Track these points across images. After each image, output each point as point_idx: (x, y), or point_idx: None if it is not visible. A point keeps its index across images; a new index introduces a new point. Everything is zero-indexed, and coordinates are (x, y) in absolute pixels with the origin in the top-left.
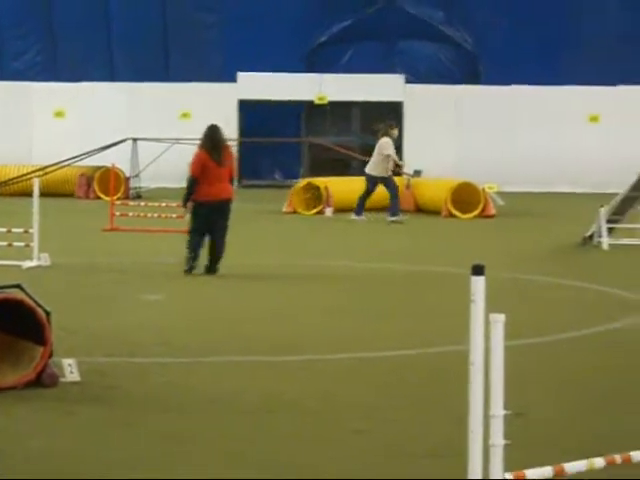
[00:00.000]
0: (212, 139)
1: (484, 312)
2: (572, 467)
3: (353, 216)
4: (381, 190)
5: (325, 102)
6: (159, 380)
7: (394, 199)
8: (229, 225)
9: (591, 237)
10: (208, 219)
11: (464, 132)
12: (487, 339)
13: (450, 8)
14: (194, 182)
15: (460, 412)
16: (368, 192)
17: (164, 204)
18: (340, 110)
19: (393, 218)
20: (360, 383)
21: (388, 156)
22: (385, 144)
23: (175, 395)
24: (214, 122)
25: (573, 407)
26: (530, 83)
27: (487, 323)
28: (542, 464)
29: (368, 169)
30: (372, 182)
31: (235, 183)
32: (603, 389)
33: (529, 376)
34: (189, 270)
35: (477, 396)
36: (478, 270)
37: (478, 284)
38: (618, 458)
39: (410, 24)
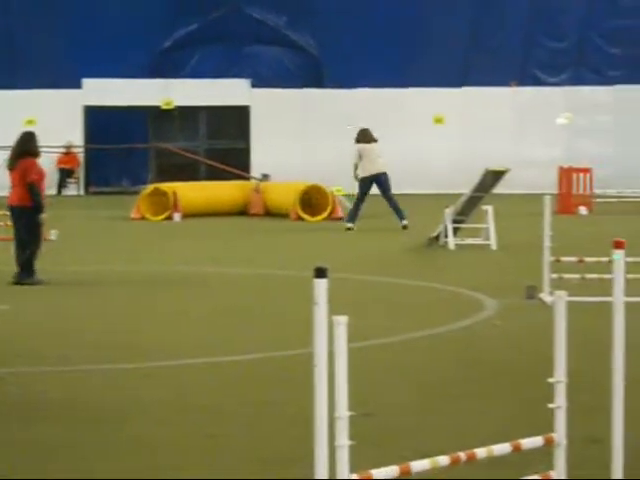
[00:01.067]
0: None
1: (329, 315)
2: (417, 466)
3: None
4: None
5: (172, 107)
6: (11, 390)
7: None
8: (24, 234)
9: (437, 238)
10: (13, 226)
11: (310, 135)
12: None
13: (294, 13)
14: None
15: (309, 414)
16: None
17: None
18: (187, 115)
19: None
20: (212, 387)
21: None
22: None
23: (29, 404)
24: (29, 130)
25: (420, 406)
26: (374, 86)
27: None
28: (389, 464)
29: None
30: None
31: (81, 189)
32: (449, 388)
33: (378, 377)
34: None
35: (322, 398)
36: (320, 273)
37: (321, 287)
38: (463, 456)
39: (255, 29)
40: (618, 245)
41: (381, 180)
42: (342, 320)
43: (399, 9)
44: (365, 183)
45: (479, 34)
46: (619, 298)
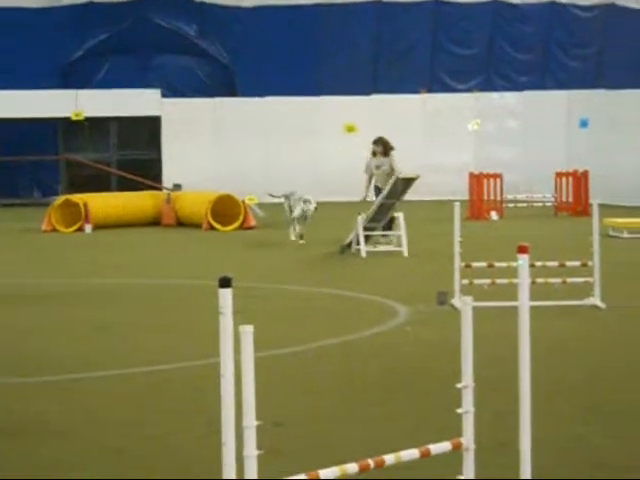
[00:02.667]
0: None
1: (240, 324)
2: (326, 473)
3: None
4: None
5: (82, 118)
6: None
7: None
8: None
9: (349, 245)
10: None
11: (223, 145)
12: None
13: (204, 22)
14: None
15: (219, 425)
16: None
17: None
18: (97, 126)
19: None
20: (117, 400)
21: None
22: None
23: None
24: None
25: (332, 414)
26: (286, 94)
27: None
28: (298, 472)
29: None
30: None
31: None
32: (360, 395)
33: (290, 385)
34: None
35: (229, 408)
36: (225, 282)
37: (226, 296)
38: (371, 463)
39: (165, 38)
40: (522, 250)
41: None
42: (248, 329)
43: (307, 18)
44: None
45: (386, 42)
46: (524, 302)
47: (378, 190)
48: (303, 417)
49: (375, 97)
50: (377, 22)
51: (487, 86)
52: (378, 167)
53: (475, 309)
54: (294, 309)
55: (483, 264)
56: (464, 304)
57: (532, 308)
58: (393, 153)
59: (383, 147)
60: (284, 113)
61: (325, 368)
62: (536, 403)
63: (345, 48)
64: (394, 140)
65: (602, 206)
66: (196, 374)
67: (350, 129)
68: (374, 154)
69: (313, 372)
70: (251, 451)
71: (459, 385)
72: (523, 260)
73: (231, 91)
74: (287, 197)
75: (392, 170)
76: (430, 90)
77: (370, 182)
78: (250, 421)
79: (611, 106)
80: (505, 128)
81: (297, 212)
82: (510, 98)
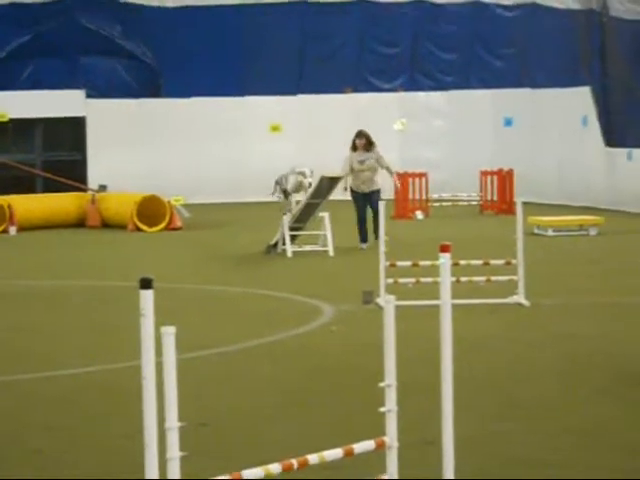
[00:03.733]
0: None
1: (163, 325)
2: (249, 474)
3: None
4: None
5: (6, 120)
6: None
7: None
8: None
9: (275, 245)
10: None
11: (148, 146)
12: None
13: (128, 22)
14: None
15: (140, 427)
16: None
17: None
18: (22, 127)
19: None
20: (40, 403)
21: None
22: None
23: None
24: None
25: (257, 414)
26: (211, 95)
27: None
28: (223, 473)
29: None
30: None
31: None
32: (285, 395)
33: (215, 386)
34: None
35: (150, 410)
36: (146, 284)
37: (147, 298)
38: (295, 463)
39: (89, 39)
40: (444, 249)
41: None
42: (170, 330)
43: (232, 17)
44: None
45: (312, 41)
46: (446, 301)
47: (359, 197)
48: (229, 417)
49: (301, 97)
50: (302, 21)
51: (412, 85)
52: (362, 162)
53: (400, 308)
54: (220, 310)
55: (408, 263)
56: (387, 303)
57: (457, 307)
58: (377, 148)
59: (366, 140)
60: (209, 113)
61: (251, 368)
62: (459, 401)
63: (271, 48)
64: (321, 139)
65: (527, 204)
66: (120, 376)
67: (275, 129)
68: (354, 148)
69: (239, 372)
70: (174, 453)
71: (382, 384)
72: (445, 259)
73: (156, 91)
74: (278, 182)
75: (379, 164)
76: (355, 89)
77: (347, 176)
78: (172, 422)
79: (535, 105)
80: (430, 127)
81: (291, 184)
82: (435, 97)
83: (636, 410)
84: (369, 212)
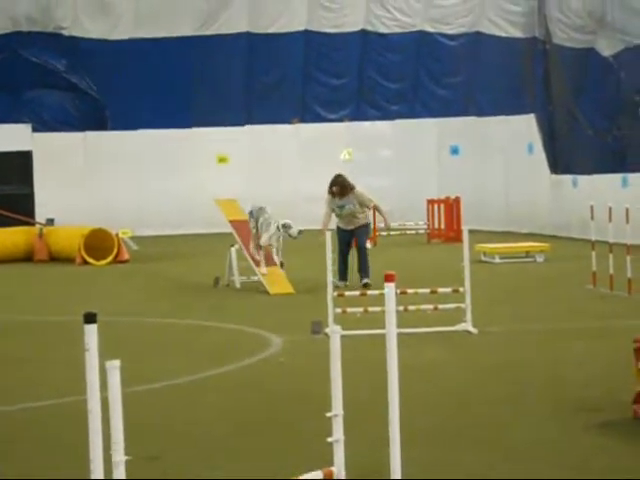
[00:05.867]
0: None
1: (111, 359)
2: None
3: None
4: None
5: None
6: None
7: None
8: None
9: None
10: None
11: (94, 179)
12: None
13: (73, 56)
14: None
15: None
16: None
17: None
18: None
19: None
20: None
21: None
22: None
23: None
24: None
25: (207, 446)
26: (158, 127)
27: (120, 369)
28: None
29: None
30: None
31: None
32: (234, 427)
33: (164, 419)
34: None
35: (96, 443)
36: (90, 318)
37: (91, 332)
38: None
39: (34, 73)
40: (389, 278)
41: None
42: (115, 364)
43: (178, 49)
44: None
45: (258, 72)
46: (392, 330)
47: (343, 234)
48: (179, 450)
49: (248, 127)
50: (249, 53)
51: (358, 115)
52: (341, 207)
53: (349, 337)
54: (169, 342)
55: (356, 293)
56: (333, 333)
57: (405, 335)
58: (357, 190)
59: (340, 189)
60: (156, 145)
61: (201, 400)
62: (408, 429)
63: (217, 79)
64: (269, 170)
65: (474, 232)
66: (68, 410)
67: (222, 160)
68: (333, 195)
69: (189, 405)
70: None
71: (329, 414)
72: (389, 288)
73: (102, 124)
74: (251, 213)
75: (363, 207)
76: (302, 120)
77: (328, 221)
78: (119, 456)
79: (481, 133)
80: (377, 157)
81: (264, 238)
82: (381, 127)
83: (580, 435)
84: (353, 250)
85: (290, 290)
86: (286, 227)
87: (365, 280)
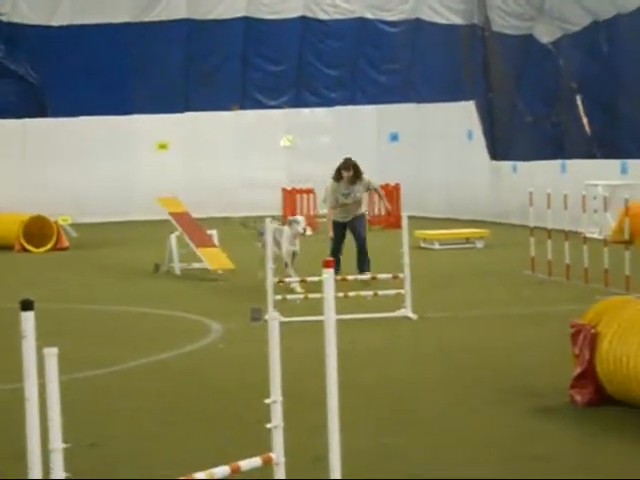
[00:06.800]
0: None
1: (51, 346)
2: None
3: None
4: None
5: None
6: None
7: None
8: None
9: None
10: None
11: (34, 166)
12: (59, 373)
13: (11, 42)
14: None
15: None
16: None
17: None
18: None
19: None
20: None
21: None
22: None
23: None
24: None
25: (146, 433)
26: (98, 114)
27: (59, 356)
28: None
29: None
30: None
31: None
32: (173, 414)
33: (104, 406)
34: None
35: (34, 431)
36: (27, 305)
37: (28, 320)
38: None
39: None
40: (327, 264)
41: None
42: (52, 351)
43: (118, 36)
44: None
45: (197, 59)
46: (330, 316)
47: (339, 226)
48: (119, 437)
49: (188, 114)
50: (188, 39)
51: (298, 102)
52: (347, 195)
53: (289, 324)
54: (109, 329)
55: (296, 279)
56: (271, 320)
57: (345, 321)
58: (365, 176)
59: (354, 173)
60: (96, 132)
61: (140, 387)
62: (348, 415)
63: (157, 66)
64: (208, 157)
65: (413, 219)
66: (5, 398)
67: (162, 147)
68: (338, 179)
69: (128, 391)
70: (57, 474)
71: (268, 400)
72: (328, 274)
73: (42, 111)
74: (262, 234)
75: (371, 190)
76: (242, 107)
77: (333, 214)
78: (56, 444)
79: (420, 120)
80: (317, 144)
81: (285, 247)
82: (321, 114)
83: (522, 421)
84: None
85: (230, 266)
86: (296, 222)
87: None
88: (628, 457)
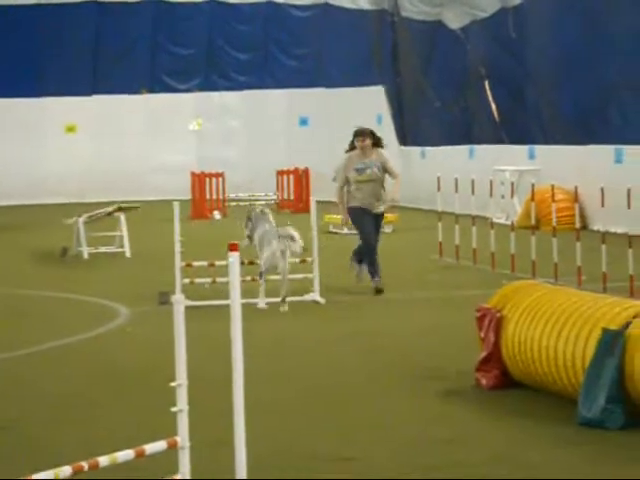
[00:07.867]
0: None
1: None
2: (39, 477)
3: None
4: None
5: None
6: None
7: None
8: None
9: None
10: None
11: None
12: None
13: None
14: None
15: None
16: None
17: None
18: None
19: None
20: None
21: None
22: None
23: None
24: None
25: (52, 418)
26: (5, 96)
27: None
28: (12, 476)
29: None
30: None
31: None
32: (79, 398)
33: (9, 390)
34: None
35: None
36: None
37: None
38: (85, 465)
39: None
40: (233, 248)
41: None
42: None
43: (26, 17)
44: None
45: (106, 41)
46: (236, 300)
47: (358, 212)
48: (23, 421)
49: (96, 97)
50: (97, 21)
51: (207, 86)
52: (361, 170)
53: (195, 308)
54: (14, 312)
55: (204, 263)
56: (176, 303)
57: (252, 306)
58: (382, 152)
59: (372, 138)
60: (4, 114)
61: (45, 371)
62: (255, 399)
63: (65, 48)
64: (117, 140)
65: (322, 203)
66: None
67: (70, 129)
68: (353, 149)
69: (34, 376)
70: None
71: (173, 383)
72: (233, 258)
73: None
74: (249, 220)
75: (386, 174)
76: (151, 90)
77: (343, 195)
78: None
79: (330, 104)
80: (226, 127)
81: (265, 257)
82: (230, 97)
83: (427, 404)
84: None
85: None
86: (292, 239)
87: (377, 280)
88: (530, 441)
